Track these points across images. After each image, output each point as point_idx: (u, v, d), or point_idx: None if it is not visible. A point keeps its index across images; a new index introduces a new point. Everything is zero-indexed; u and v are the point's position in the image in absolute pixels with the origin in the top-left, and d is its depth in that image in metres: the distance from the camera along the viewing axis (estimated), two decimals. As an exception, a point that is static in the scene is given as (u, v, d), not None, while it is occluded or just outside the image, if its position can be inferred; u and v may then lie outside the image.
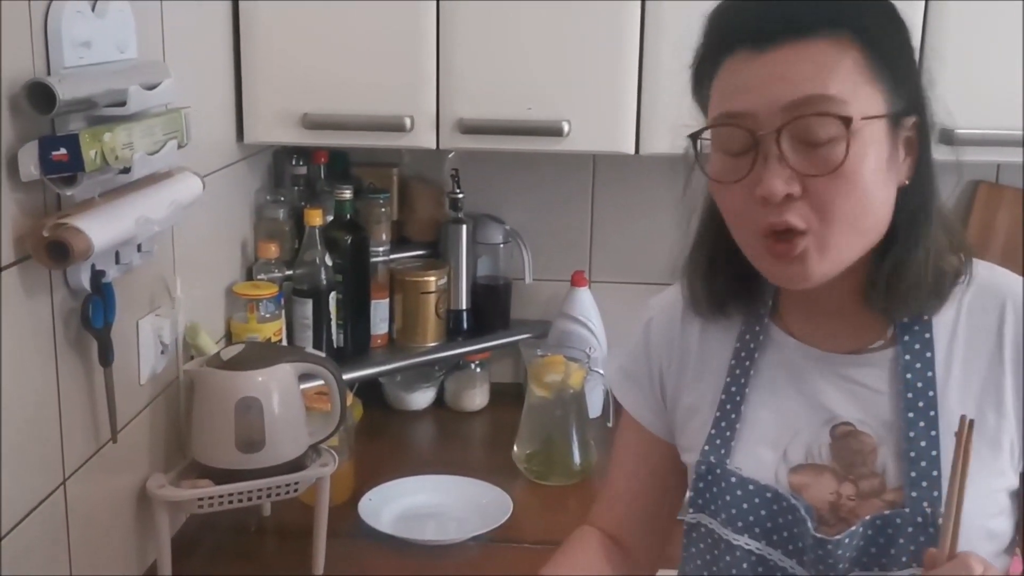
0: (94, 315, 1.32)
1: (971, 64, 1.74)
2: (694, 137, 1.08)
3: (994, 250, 2.13)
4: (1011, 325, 1.09)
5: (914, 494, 1.06)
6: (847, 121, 0.98)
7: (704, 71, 1.08)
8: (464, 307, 2.26)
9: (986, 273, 1.13)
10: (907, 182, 1.06)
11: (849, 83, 1.00)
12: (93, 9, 1.30)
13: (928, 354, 1.09)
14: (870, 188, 1.01)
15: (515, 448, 1.94)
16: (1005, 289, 1.11)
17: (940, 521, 1.02)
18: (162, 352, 1.58)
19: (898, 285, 1.07)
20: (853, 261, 1.05)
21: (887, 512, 1.07)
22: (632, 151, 1.88)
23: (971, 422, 0.99)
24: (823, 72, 0.99)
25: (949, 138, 1.46)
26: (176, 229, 1.61)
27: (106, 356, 1.36)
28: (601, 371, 2.07)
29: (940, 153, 1.10)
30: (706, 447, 1.16)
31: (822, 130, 0.99)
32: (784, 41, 1.00)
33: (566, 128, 1.86)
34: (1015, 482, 1.10)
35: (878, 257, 1.08)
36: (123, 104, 1.30)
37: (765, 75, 1.00)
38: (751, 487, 1.12)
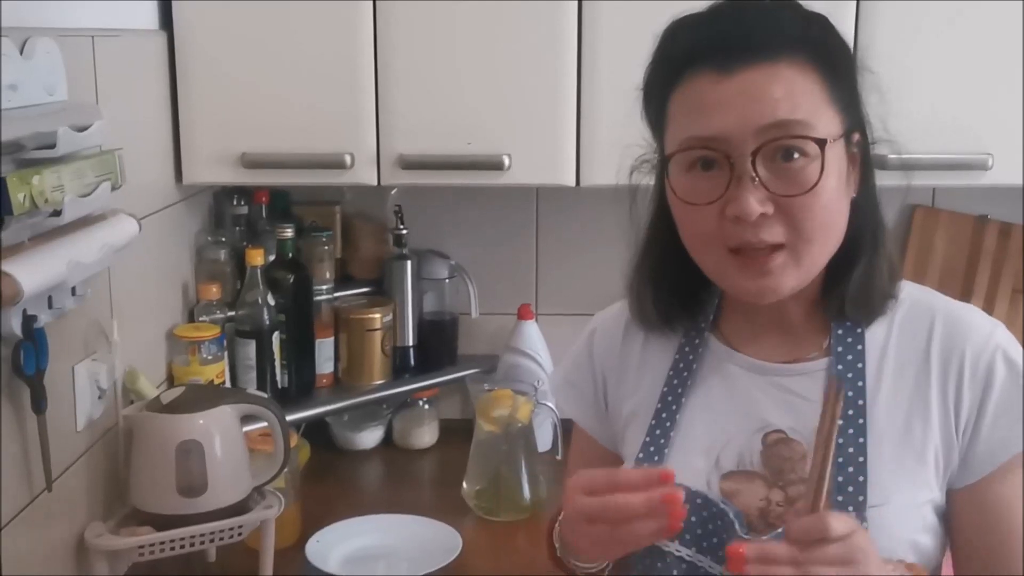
0: (25, 361, 1.29)
1: (902, 89, 1.77)
2: (664, 160, 1.11)
3: (932, 271, 2.16)
4: (938, 343, 1.13)
5: (840, 499, 1.07)
6: (822, 143, 1.03)
7: (659, 89, 1.11)
8: (410, 344, 2.24)
9: (919, 294, 1.18)
10: (854, 195, 1.11)
11: (813, 106, 1.04)
12: (21, 52, 1.28)
13: (859, 365, 1.13)
14: (835, 203, 1.07)
15: (464, 485, 1.92)
16: (936, 309, 1.16)
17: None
18: (99, 397, 1.55)
19: (868, 290, 1.12)
20: (817, 273, 1.10)
21: None
22: (573, 183, 1.89)
23: (840, 384, 1.02)
24: (791, 96, 1.03)
25: (883, 163, 1.49)
26: (113, 272, 1.58)
27: (39, 403, 1.33)
28: (550, 404, 2.06)
29: (885, 178, 1.16)
30: (640, 454, 1.18)
31: (797, 152, 1.03)
32: (749, 64, 1.03)
33: (507, 162, 1.86)
34: (941, 498, 1.12)
35: (837, 267, 1.12)
36: (52, 146, 1.28)
37: (734, 97, 1.03)
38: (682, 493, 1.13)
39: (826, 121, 1.05)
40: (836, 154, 1.06)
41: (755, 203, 1.03)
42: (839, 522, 0.95)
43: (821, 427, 1.01)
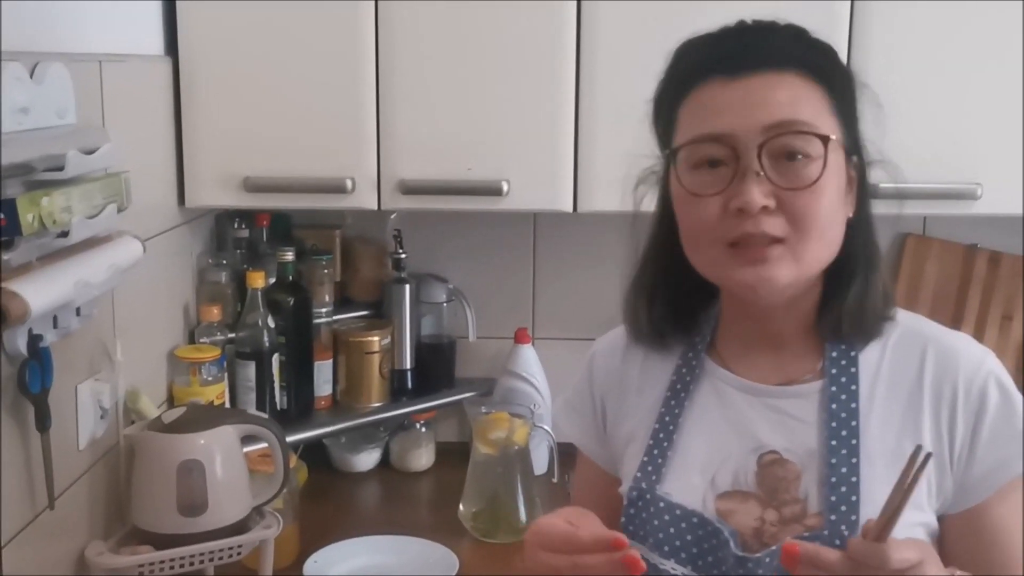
0: (31, 380, 1.31)
1: (893, 119, 1.80)
2: (673, 152, 1.14)
3: (924, 299, 2.19)
4: (931, 371, 1.15)
5: (833, 518, 1.09)
6: (825, 140, 1.07)
7: (669, 100, 1.16)
8: (408, 366, 2.26)
9: (911, 321, 1.21)
10: (851, 215, 1.15)
11: (816, 112, 1.09)
12: (31, 75, 1.31)
13: (853, 387, 1.15)
14: (834, 207, 1.10)
15: (461, 507, 1.94)
16: (928, 337, 1.18)
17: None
18: (102, 417, 1.57)
19: (863, 309, 1.15)
20: (813, 277, 1.13)
21: (806, 535, 1.09)
22: (570, 209, 1.91)
23: (927, 455, 0.97)
24: (796, 101, 1.09)
25: (875, 191, 1.51)
26: (117, 293, 1.60)
27: (43, 421, 1.35)
28: (546, 427, 2.08)
29: (878, 206, 1.19)
30: (638, 474, 1.20)
31: (800, 148, 1.07)
32: (756, 70, 1.09)
33: (505, 187, 1.89)
34: (933, 521, 1.14)
35: (833, 287, 1.16)
36: (61, 169, 1.31)
37: (742, 99, 1.09)
38: (678, 512, 1.15)
39: (828, 128, 1.10)
40: (837, 160, 1.10)
41: (758, 195, 1.06)
42: (902, 553, 0.94)
43: (906, 471, 0.96)
